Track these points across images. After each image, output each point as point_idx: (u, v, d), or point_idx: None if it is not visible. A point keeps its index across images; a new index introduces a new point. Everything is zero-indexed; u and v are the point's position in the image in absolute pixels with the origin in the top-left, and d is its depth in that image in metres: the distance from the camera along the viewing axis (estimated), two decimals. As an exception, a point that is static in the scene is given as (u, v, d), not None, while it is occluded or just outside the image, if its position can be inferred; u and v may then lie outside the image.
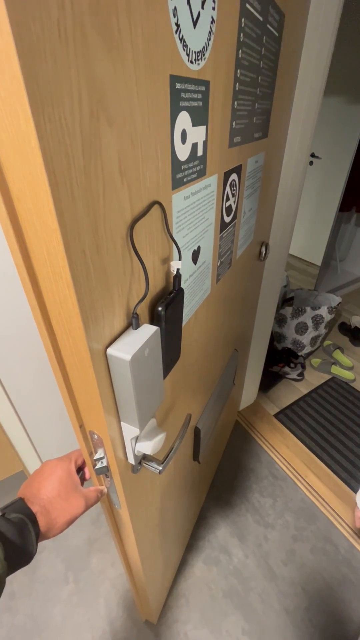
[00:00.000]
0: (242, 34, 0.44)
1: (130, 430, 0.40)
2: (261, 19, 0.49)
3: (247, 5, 0.43)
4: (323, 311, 1.88)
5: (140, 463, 0.48)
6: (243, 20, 0.43)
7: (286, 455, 1.48)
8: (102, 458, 0.43)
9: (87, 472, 0.48)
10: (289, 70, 0.74)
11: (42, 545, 1.16)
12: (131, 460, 0.45)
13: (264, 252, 1.01)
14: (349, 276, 2.79)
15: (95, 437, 0.40)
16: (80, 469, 0.47)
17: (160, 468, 0.48)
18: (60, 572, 1.12)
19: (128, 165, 0.28)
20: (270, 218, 1.04)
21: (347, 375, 1.87)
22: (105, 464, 0.43)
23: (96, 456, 0.43)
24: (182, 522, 1.01)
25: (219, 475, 1.39)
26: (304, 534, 1.21)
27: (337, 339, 2.21)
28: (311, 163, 2.25)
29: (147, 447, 0.42)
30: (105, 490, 0.48)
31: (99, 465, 0.43)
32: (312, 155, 2.22)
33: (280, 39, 0.61)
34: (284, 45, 0.63)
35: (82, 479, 0.47)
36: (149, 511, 0.63)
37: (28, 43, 0.18)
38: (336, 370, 1.89)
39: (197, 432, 0.81)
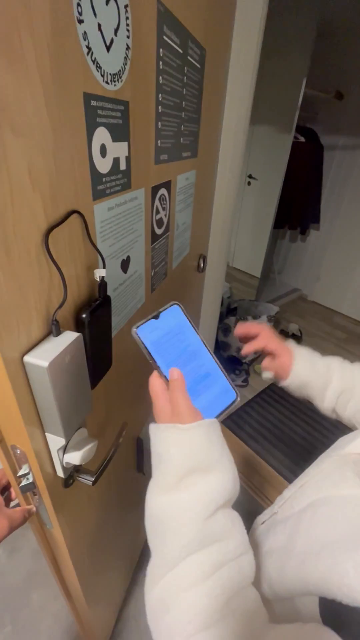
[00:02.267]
0: (161, 62, 0.47)
1: (56, 441, 0.39)
2: (181, 51, 0.54)
3: (165, 38, 0.47)
4: (263, 320, 2.01)
5: (71, 476, 0.47)
6: (161, 50, 0.47)
7: (234, 460, 1.52)
8: (27, 474, 0.41)
9: (13, 491, 0.45)
10: (215, 98, 0.81)
11: (-28, 588, 1.04)
12: (60, 473, 0.43)
13: (202, 265, 1.06)
14: (286, 287, 3.03)
15: (18, 451, 0.38)
16: (5, 489, 0.44)
17: (93, 479, 0.47)
18: (-6, 615, 1.01)
19: (40, 175, 0.29)
20: (207, 232, 1.10)
21: (286, 379, 2.00)
22: (31, 480, 0.41)
23: (20, 472, 0.41)
24: (130, 538, 0.98)
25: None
26: (252, 535, 1.24)
27: (278, 345, 2.36)
28: (249, 183, 2.43)
29: (76, 457, 0.41)
30: (34, 509, 0.46)
31: (24, 482, 0.41)
32: (250, 176, 2.41)
33: (203, 70, 0.67)
34: (207, 76, 0.70)
35: (8, 500, 0.45)
36: (87, 529, 0.60)
37: None
38: (277, 374, 2.02)
39: (139, 442, 0.81)
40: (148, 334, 0.36)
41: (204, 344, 0.38)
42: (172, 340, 0.37)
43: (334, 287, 2.84)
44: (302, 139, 2.28)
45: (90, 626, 0.82)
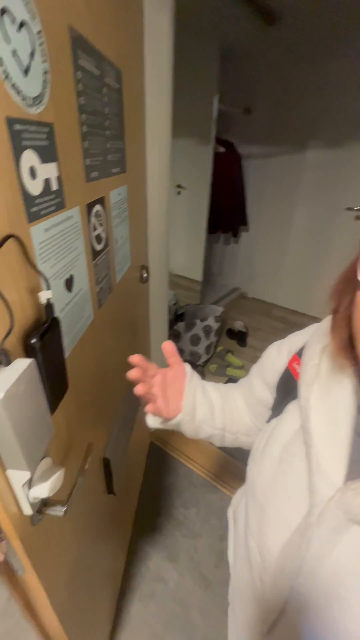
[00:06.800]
0: (80, 84, 0.49)
1: (19, 476, 0.37)
2: (97, 72, 0.55)
3: (80, 61, 0.48)
4: (210, 321, 2.09)
5: (40, 511, 0.44)
6: (79, 72, 0.48)
7: (201, 461, 1.55)
8: (-11, 519, 0.38)
9: (-25, 543, 0.41)
10: (136, 115, 0.84)
11: None
12: (27, 510, 0.41)
13: (145, 275, 1.08)
14: (227, 288, 3.20)
15: (-23, 497, 0.36)
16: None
17: (65, 508, 0.45)
18: None
19: (-31, 201, 0.28)
20: (146, 243, 1.12)
21: (240, 374, 2.10)
22: (-5, 525, 0.38)
23: (-18, 520, 0.37)
24: (109, 565, 0.94)
25: (142, 502, 1.36)
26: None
27: (227, 343, 2.47)
28: (179, 193, 2.53)
29: (44, 489, 0.39)
30: (2, 557, 0.42)
31: (-13, 530, 0.38)
32: (179, 186, 2.50)
33: (121, 89, 0.69)
34: (125, 94, 0.72)
35: (-31, 554, 0.40)
36: (63, 565, 0.57)
37: None
38: (231, 371, 2.11)
39: (106, 462, 0.79)
40: None
41: None
42: None
43: (268, 282, 3.07)
44: (223, 150, 2.45)
45: (79, 671, 0.76)
